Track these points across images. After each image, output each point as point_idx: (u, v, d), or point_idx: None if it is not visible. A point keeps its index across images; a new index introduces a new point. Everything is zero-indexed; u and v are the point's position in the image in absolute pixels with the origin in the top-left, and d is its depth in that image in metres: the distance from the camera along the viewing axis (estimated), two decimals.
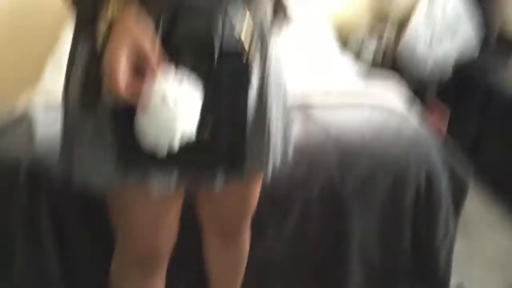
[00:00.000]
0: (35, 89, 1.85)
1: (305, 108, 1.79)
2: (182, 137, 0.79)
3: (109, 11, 0.79)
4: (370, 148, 1.58)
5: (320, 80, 2.15)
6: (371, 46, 2.94)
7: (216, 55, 0.84)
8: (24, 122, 1.60)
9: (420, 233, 1.59)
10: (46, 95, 1.74)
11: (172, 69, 0.81)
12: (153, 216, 1.02)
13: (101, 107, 0.87)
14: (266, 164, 1.00)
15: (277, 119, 1.02)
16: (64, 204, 1.41)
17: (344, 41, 3.05)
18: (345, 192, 1.53)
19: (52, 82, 1.85)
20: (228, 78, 0.86)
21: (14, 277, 1.42)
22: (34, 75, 2.17)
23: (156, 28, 0.83)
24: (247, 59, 0.87)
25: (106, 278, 1.16)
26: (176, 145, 0.80)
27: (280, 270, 1.56)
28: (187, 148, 0.81)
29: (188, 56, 0.84)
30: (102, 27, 0.80)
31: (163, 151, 0.80)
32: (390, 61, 3.03)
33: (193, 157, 0.87)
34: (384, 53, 3.01)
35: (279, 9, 0.99)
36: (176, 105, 0.78)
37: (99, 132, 0.90)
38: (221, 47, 0.86)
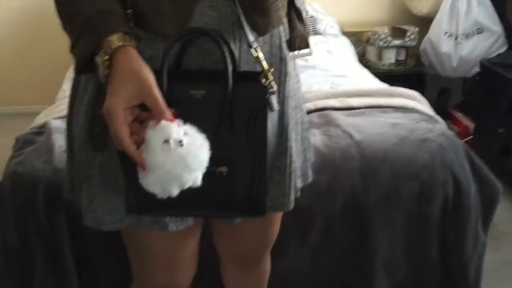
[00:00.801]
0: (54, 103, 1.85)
1: (326, 111, 1.75)
2: (184, 182, 0.73)
3: (108, 51, 0.73)
4: (394, 154, 1.52)
5: (341, 81, 2.11)
6: (394, 44, 2.86)
7: (230, 79, 0.78)
8: (44, 132, 1.61)
9: (448, 246, 1.53)
10: (64, 107, 1.74)
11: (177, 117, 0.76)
12: (171, 250, 0.98)
13: (109, 144, 0.81)
14: (288, 195, 0.95)
15: (297, 141, 0.98)
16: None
17: (366, 39, 2.99)
18: (369, 202, 1.48)
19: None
20: (245, 104, 0.78)
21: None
22: (53, 91, 2.19)
23: (166, 56, 0.78)
24: (265, 80, 0.79)
25: None
26: (177, 190, 0.73)
27: (303, 285, 1.53)
28: (203, 186, 0.75)
29: (201, 82, 0.79)
30: (101, 69, 0.74)
31: (168, 195, 0.74)
32: (414, 59, 2.96)
33: (210, 195, 0.80)
34: (407, 50, 2.93)
35: (297, 38, 0.92)
36: (178, 148, 0.72)
37: (108, 172, 0.86)
38: (235, 70, 0.81)
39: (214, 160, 0.75)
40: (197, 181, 0.74)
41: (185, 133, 0.73)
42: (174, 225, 0.91)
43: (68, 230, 1.38)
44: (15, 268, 1.41)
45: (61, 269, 1.41)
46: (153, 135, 0.72)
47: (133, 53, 0.74)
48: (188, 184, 0.74)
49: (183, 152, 0.72)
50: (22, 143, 1.59)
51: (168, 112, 0.73)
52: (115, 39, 0.73)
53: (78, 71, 0.78)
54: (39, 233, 1.39)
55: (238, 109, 0.79)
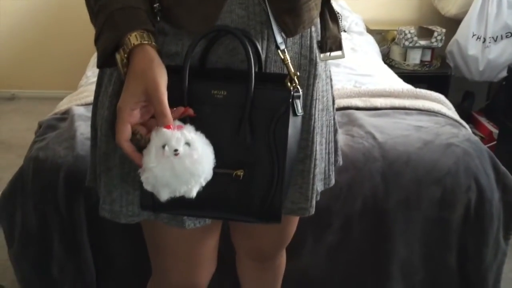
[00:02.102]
0: (77, 89, 1.86)
1: (349, 111, 1.73)
2: (174, 190, 0.71)
3: (126, 49, 0.71)
4: (417, 157, 1.50)
5: (365, 80, 2.08)
6: (420, 44, 2.82)
7: (253, 80, 0.75)
8: (67, 118, 1.62)
9: (468, 253, 1.50)
10: (87, 93, 1.75)
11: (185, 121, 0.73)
12: (189, 248, 0.97)
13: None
14: (311, 199, 0.91)
15: (321, 144, 0.95)
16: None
17: (391, 39, 2.95)
18: (389, 205, 1.46)
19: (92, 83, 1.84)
20: (267, 107, 0.76)
21: (53, 273, 1.44)
22: (76, 77, 2.20)
23: (189, 53, 0.76)
24: (290, 83, 0.76)
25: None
26: (167, 196, 0.71)
27: (318, 283, 1.52)
28: (219, 188, 0.74)
29: (223, 82, 0.77)
30: (120, 66, 0.72)
31: (158, 197, 0.72)
32: (439, 60, 2.91)
33: (226, 198, 0.78)
34: (433, 51, 2.88)
35: (330, 40, 0.89)
36: (172, 157, 0.69)
37: (128, 165, 0.85)
38: (260, 71, 0.79)
39: (231, 163, 0.74)
40: (191, 193, 0.71)
41: (187, 143, 0.70)
42: (191, 222, 0.90)
43: (86, 217, 1.39)
44: (33, 252, 1.43)
45: (79, 255, 1.43)
46: (155, 136, 0.70)
47: (150, 52, 0.72)
48: (178, 194, 0.71)
49: (175, 162, 0.69)
50: (45, 128, 1.60)
51: (169, 117, 0.70)
52: (133, 37, 0.71)
53: (100, 65, 0.76)
54: (58, 219, 1.40)
55: (260, 112, 0.76)
